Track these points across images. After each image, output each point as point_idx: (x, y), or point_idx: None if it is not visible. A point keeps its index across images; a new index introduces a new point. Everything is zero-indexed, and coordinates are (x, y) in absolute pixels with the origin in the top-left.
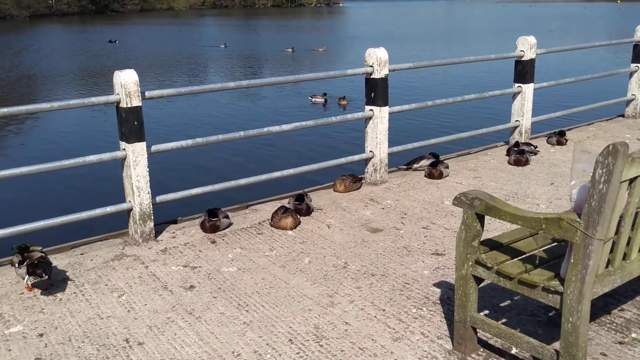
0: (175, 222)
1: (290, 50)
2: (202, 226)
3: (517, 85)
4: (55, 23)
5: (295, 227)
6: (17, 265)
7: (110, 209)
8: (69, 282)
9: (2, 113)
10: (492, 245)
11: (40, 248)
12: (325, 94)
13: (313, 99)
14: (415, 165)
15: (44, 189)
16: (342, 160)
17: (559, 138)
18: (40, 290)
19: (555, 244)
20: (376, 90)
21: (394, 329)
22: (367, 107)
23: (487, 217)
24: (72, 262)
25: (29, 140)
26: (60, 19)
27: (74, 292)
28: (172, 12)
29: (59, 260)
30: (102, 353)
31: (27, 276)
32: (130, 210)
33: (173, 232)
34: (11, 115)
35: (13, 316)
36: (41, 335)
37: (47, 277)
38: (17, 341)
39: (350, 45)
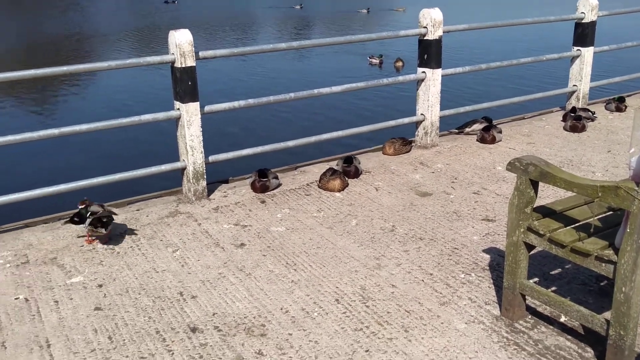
0: (226, 181)
1: (365, 11)
2: (252, 186)
3: (576, 48)
4: None
5: (343, 189)
6: (87, 216)
7: (165, 167)
8: (126, 237)
9: (62, 71)
10: (545, 212)
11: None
12: (381, 55)
13: (371, 60)
14: (467, 129)
15: (101, 146)
16: (392, 122)
17: (618, 104)
18: (99, 244)
19: (611, 212)
20: (429, 52)
21: (441, 293)
22: (420, 69)
23: (540, 184)
24: (128, 217)
25: (84, 98)
26: None
27: (131, 246)
28: None
29: (116, 216)
30: (158, 305)
31: (88, 229)
32: (184, 169)
33: (224, 191)
34: (70, 74)
35: (74, 267)
36: (100, 286)
37: (106, 231)
38: (78, 291)
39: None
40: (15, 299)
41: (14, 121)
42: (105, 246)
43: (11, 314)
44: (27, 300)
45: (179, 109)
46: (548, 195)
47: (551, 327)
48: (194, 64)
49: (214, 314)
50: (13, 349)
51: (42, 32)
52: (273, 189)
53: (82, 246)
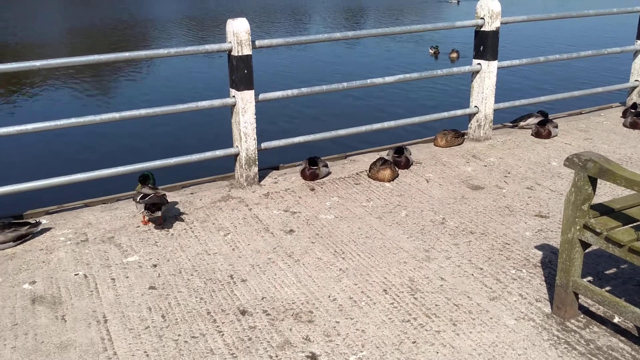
0: (277, 168)
1: (456, 2)
2: (302, 173)
3: (639, 42)
4: None
5: (393, 180)
6: (137, 200)
7: (219, 152)
8: (179, 219)
9: (124, 57)
10: (603, 210)
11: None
12: (436, 46)
13: (431, 50)
14: (522, 123)
15: (158, 131)
16: (445, 114)
17: None
18: (154, 225)
19: None
20: (485, 44)
21: (490, 288)
22: (475, 61)
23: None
24: (182, 200)
25: (141, 84)
26: None
27: (184, 229)
28: None
29: (171, 198)
30: (209, 287)
31: (145, 211)
32: (237, 155)
33: (275, 178)
34: (131, 60)
35: (130, 247)
36: (155, 265)
37: (161, 214)
38: (133, 270)
39: None
40: (75, 275)
41: (75, 105)
42: (160, 227)
43: (71, 289)
44: (86, 276)
45: (234, 96)
46: (605, 193)
47: (604, 327)
48: (250, 53)
49: (262, 298)
50: (72, 322)
51: (100, 19)
52: (323, 177)
53: (138, 227)
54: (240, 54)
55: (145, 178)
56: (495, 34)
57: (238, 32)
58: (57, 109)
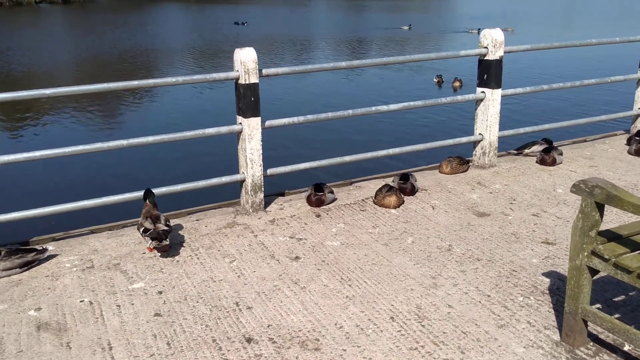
0: (282, 194)
1: (476, 31)
2: (308, 200)
3: None
4: (174, 2)
5: (399, 206)
6: (141, 231)
7: (225, 179)
8: (185, 246)
9: (133, 86)
10: (610, 236)
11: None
12: (440, 75)
13: (435, 79)
14: (526, 151)
15: (163, 158)
16: (450, 141)
17: None
18: (160, 252)
19: None
20: (489, 72)
21: (498, 315)
22: (479, 89)
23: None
24: (188, 227)
25: (148, 112)
26: None
27: (190, 255)
28: None
29: (177, 225)
30: (215, 314)
31: (150, 241)
32: (243, 181)
33: (281, 204)
34: (139, 88)
35: (136, 273)
36: (160, 292)
37: (167, 242)
38: (139, 296)
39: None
40: (80, 301)
41: (83, 132)
42: (165, 255)
43: (76, 316)
44: (91, 303)
45: (240, 123)
46: (611, 219)
47: (614, 355)
48: (257, 81)
49: (268, 326)
50: (77, 349)
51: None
52: (328, 203)
53: (144, 253)
54: (247, 82)
55: (147, 194)
56: (498, 62)
57: (245, 61)
58: (65, 136)
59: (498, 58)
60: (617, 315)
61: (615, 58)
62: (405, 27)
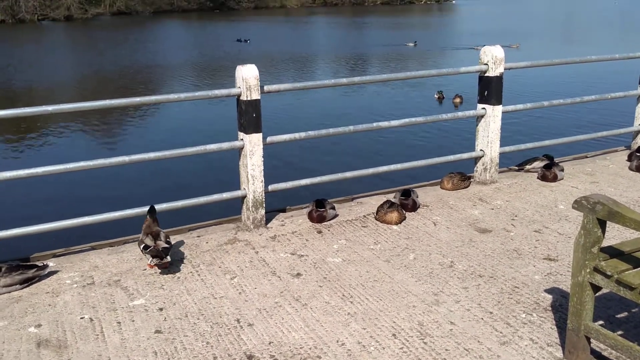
0: (284, 210)
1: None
2: (310, 216)
3: None
4: (176, 19)
5: (400, 222)
6: (141, 248)
7: (226, 195)
8: (186, 262)
9: (135, 102)
10: (613, 252)
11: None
12: (441, 92)
13: (436, 95)
14: (527, 167)
15: (165, 173)
16: (451, 157)
17: None
18: (160, 269)
19: None
20: (490, 89)
21: (501, 332)
22: (480, 106)
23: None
24: (189, 243)
25: (150, 128)
26: (181, 15)
27: (191, 272)
28: (284, 10)
29: (177, 241)
30: (215, 331)
31: (151, 258)
32: (244, 197)
33: (282, 220)
34: (141, 104)
35: (136, 290)
36: (161, 309)
37: (168, 259)
38: (139, 313)
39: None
40: (81, 318)
41: (85, 148)
42: (166, 271)
43: (76, 332)
44: (91, 320)
45: (242, 139)
46: (613, 236)
47: None
48: (259, 97)
49: (270, 343)
50: None
51: (113, 65)
52: (330, 220)
53: (145, 270)
54: (249, 98)
55: (149, 211)
56: (499, 79)
57: (247, 77)
58: (66, 152)
59: (498, 74)
60: (620, 332)
61: (616, 74)
62: (411, 44)
